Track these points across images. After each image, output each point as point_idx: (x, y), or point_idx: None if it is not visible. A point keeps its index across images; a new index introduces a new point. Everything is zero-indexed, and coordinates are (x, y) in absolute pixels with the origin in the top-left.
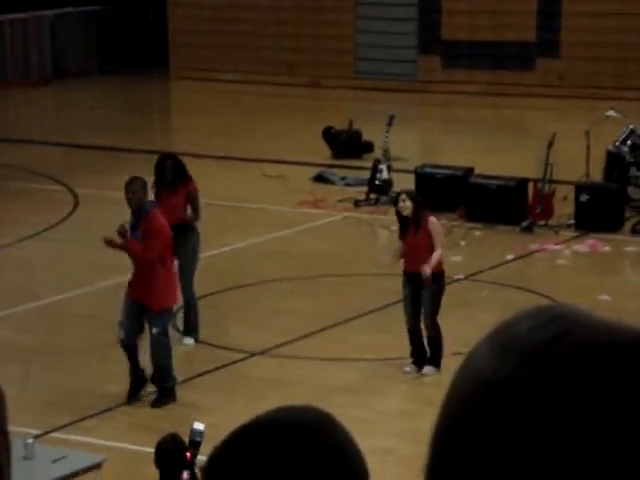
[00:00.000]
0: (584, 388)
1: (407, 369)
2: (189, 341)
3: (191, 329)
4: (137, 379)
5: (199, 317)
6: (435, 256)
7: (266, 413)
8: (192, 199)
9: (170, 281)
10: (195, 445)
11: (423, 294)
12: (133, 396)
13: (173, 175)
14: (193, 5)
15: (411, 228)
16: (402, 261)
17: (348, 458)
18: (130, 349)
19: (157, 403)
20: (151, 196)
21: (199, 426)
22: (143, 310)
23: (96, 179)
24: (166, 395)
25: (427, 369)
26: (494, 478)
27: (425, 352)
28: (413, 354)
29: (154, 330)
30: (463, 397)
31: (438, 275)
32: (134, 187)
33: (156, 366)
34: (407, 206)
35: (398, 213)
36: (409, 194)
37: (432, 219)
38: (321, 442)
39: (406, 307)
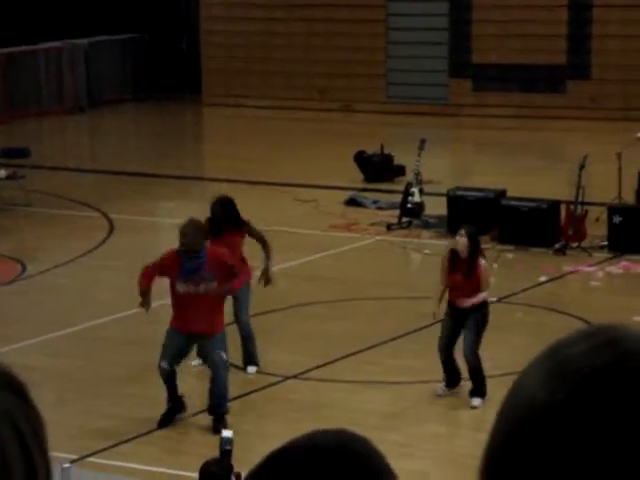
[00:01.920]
0: (637, 416)
1: (439, 391)
2: (252, 369)
3: (251, 358)
4: (176, 405)
5: (256, 345)
6: (479, 297)
7: (302, 436)
8: (253, 232)
9: (222, 306)
10: (227, 454)
11: (466, 323)
12: (167, 421)
13: (228, 216)
14: (225, 32)
15: (462, 269)
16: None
17: None
18: (171, 377)
19: (217, 429)
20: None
21: (228, 433)
22: (192, 342)
23: (131, 205)
24: (223, 420)
25: (474, 401)
26: None
27: (458, 373)
28: (446, 376)
29: (220, 355)
30: (516, 420)
31: (481, 305)
32: (187, 230)
33: (218, 392)
34: (463, 242)
35: (453, 250)
36: (469, 231)
37: (482, 263)
38: (357, 466)
39: (442, 337)
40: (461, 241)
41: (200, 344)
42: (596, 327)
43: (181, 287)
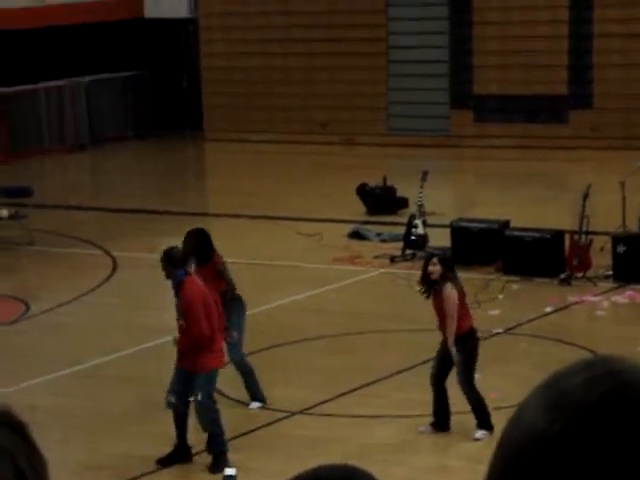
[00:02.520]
0: (636, 447)
1: (422, 429)
2: (253, 405)
3: (253, 394)
4: (180, 449)
5: (256, 380)
6: (449, 331)
7: (308, 471)
8: (219, 272)
9: (213, 343)
10: None
11: (454, 360)
12: (166, 462)
13: (198, 249)
14: (225, 69)
15: (433, 291)
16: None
17: None
18: (179, 415)
19: (214, 468)
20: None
21: (231, 471)
22: (188, 378)
23: (133, 242)
24: (221, 459)
25: (478, 434)
26: None
27: (448, 415)
28: (435, 414)
29: (198, 398)
30: (516, 450)
31: (465, 335)
32: (162, 258)
33: (208, 433)
34: (437, 270)
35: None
36: (440, 258)
37: (447, 288)
38: None
39: (434, 364)
40: (434, 270)
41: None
42: (595, 358)
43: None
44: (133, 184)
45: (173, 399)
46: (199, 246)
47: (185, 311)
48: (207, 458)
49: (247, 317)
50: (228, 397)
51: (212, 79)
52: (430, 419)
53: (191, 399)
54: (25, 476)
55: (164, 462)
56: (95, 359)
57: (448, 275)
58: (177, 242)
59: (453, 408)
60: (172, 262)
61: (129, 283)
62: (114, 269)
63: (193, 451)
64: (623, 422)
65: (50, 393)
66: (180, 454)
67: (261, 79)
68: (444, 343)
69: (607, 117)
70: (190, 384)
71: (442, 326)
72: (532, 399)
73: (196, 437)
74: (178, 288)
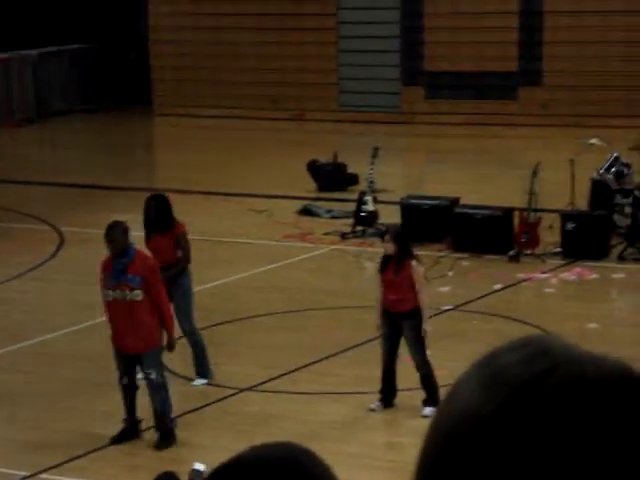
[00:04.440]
0: (573, 423)
1: (373, 406)
2: (198, 382)
3: (198, 369)
4: (131, 425)
5: (205, 355)
6: (424, 306)
7: (248, 450)
8: (179, 241)
9: (158, 320)
10: None
11: (405, 334)
12: (119, 440)
13: (157, 216)
14: (174, 42)
15: (392, 267)
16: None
17: None
18: (128, 391)
19: (160, 445)
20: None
21: (199, 466)
22: (134, 357)
23: (81, 217)
24: (170, 436)
25: (427, 410)
26: None
27: (395, 390)
28: (382, 391)
29: (150, 375)
30: (449, 431)
31: (414, 311)
32: (112, 234)
33: (158, 410)
34: (389, 247)
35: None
36: (394, 234)
37: (414, 264)
38: (301, 478)
39: (384, 346)
40: (388, 247)
41: (137, 360)
42: (529, 337)
43: (109, 294)
44: (81, 159)
45: (125, 380)
46: (162, 212)
47: (148, 283)
48: (153, 434)
49: (196, 293)
50: (173, 372)
51: (160, 53)
52: (379, 396)
53: (140, 376)
54: None
55: (117, 440)
56: (42, 335)
57: (408, 251)
58: (125, 217)
59: (400, 385)
60: (126, 234)
61: (76, 259)
62: (61, 244)
63: (142, 427)
64: (555, 401)
65: None
66: (130, 429)
67: (211, 53)
68: (391, 324)
69: (557, 94)
70: (133, 362)
71: (392, 303)
72: (466, 378)
73: (143, 413)
74: (131, 259)
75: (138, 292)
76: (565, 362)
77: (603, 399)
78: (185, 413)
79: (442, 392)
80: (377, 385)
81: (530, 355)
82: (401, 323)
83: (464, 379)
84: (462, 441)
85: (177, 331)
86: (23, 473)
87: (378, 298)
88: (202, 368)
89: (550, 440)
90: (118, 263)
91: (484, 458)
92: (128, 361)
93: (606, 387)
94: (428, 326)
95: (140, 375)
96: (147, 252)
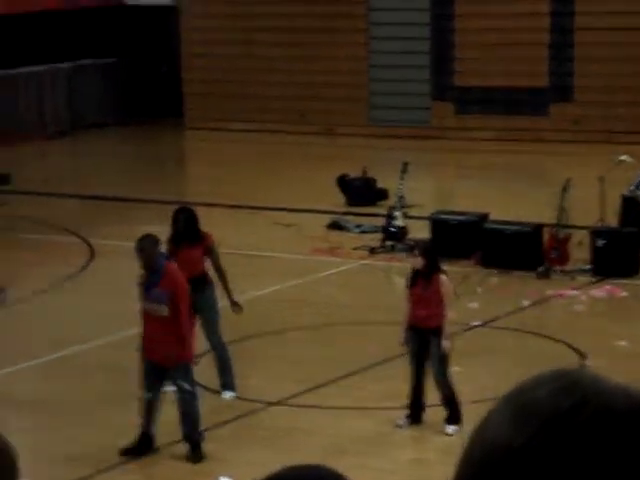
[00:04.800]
0: (602, 455)
1: (400, 422)
2: (226, 395)
3: (225, 383)
4: (145, 440)
5: (230, 368)
6: (445, 322)
7: (276, 473)
8: (212, 251)
9: (189, 334)
10: None
11: (431, 350)
12: (131, 453)
13: (187, 228)
14: (206, 56)
15: (420, 282)
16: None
17: None
18: (150, 406)
19: (192, 458)
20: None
21: None
22: (163, 370)
23: (111, 230)
24: (198, 448)
25: (450, 429)
26: None
27: (423, 406)
28: (410, 407)
29: (182, 386)
30: (480, 460)
31: (439, 330)
32: (142, 245)
33: (187, 422)
34: (418, 262)
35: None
36: (423, 248)
37: (444, 279)
38: None
39: (412, 363)
40: (416, 261)
41: (166, 372)
42: (559, 371)
43: (144, 306)
44: (112, 171)
45: (149, 396)
46: (190, 225)
47: (174, 297)
48: (182, 447)
49: (222, 308)
50: (202, 385)
51: (192, 67)
52: (406, 412)
53: (168, 389)
54: None
55: (128, 453)
56: (72, 347)
57: (437, 266)
58: (155, 229)
59: (427, 401)
60: (156, 245)
61: (106, 271)
62: (91, 257)
63: (167, 440)
64: (585, 434)
65: (27, 380)
66: (144, 444)
67: (242, 67)
68: (419, 341)
69: (588, 110)
70: (161, 376)
71: (420, 320)
72: (497, 411)
73: (170, 426)
74: (161, 274)
75: (164, 307)
76: (594, 395)
77: (633, 431)
78: (213, 426)
79: (471, 409)
80: (405, 400)
81: (560, 389)
82: (429, 339)
83: (496, 410)
84: (493, 471)
85: (202, 345)
86: None
87: (405, 313)
88: (227, 380)
89: (579, 473)
90: (151, 278)
91: None
92: (156, 374)
93: (636, 419)
94: (447, 343)
95: (169, 387)
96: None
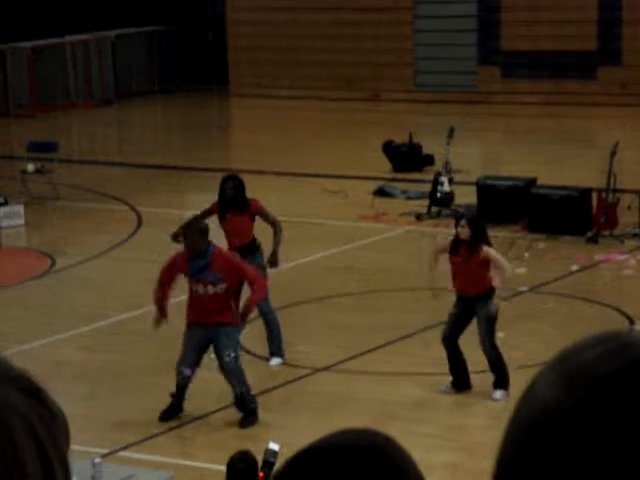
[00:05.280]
0: None
1: (443, 388)
2: (274, 361)
3: (273, 349)
4: (178, 404)
5: (279, 335)
6: (502, 277)
7: (326, 436)
8: (263, 214)
9: (235, 303)
10: (269, 465)
11: (478, 314)
12: (168, 417)
13: (234, 197)
14: (252, 23)
15: (463, 251)
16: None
17: None
18: (186, 382)
19: (243, 423)
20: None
21: (274, 446)
22: (207, 343)
23: (158, 198)
24: (252, 414)
25: (498, 394)
26: None
27: (466, 373)
28: (452, 374)
29: (229, 355)
30: (528, 425)
31: (488, 293)
32: (193, 238)
33: (236, 390)
34: (465, 232)
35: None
36: (469, 219)
37: (485, 249)
38: (381, 465)
39: (447, 324)
40: (463, 231)
41: (211, 340)
42: (608, 333)
43: (193, 286)
44: (158, 139)
45: (188, 372)
46: (238, 193)
47: (229, 268)
48: (235, 413)
49: (270, 274)
50: (250, 352)
51: (238, 34)
52: (450, 378)
53: (213, 358)
54: (43, 446)
55: (166, 417)
56: (121, 314)
57: (482, 237)
58: (201, 198)
59: (472, 367)
60: (203, 234)
61: (154, 239)
62: (139, 224)
63: (216, 407)
64: (633, 398)
65: (77, 348)
66: (177, 407)
67: (287, 34)
68: (463, 307)
69: (636, 74)
70: (203, 348)
71: (463, 287)
72: (545, 374)
73: (217, 392)
74: (210, 258)
75: (222, 286)
76: None
77: None
78: (261, 393)
79: (518, 374)
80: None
81: (610, 351)
82: (474, 306)
83: (542, 375)
84: (542, 436)
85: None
86: (101, 451)
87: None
88: (276, 347)
89: (630, 436)
90: (196, 263)
91: (563, 452)
92: (201, 342)
93: None
94: (498, 300)
95: (212, 356)
96: (223, 245)
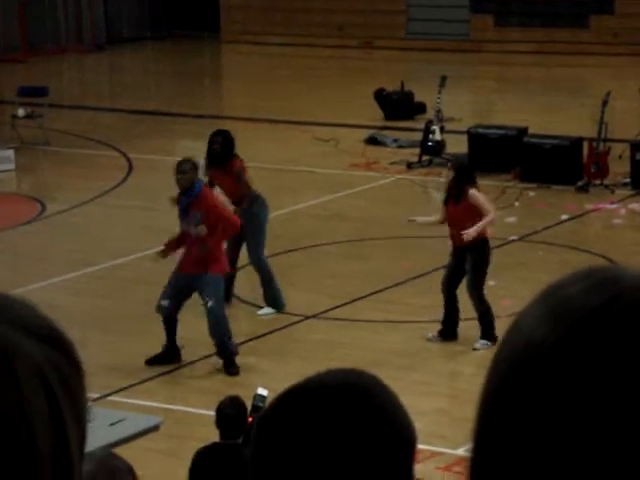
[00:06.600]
0: (635, 352)
1: (429, 335)
2: (266, 310)
3: (268, 297)
4: (171, 350)
5: (272, 285)
6: (481, 222)
7: (314, 376)
8: (236, 176)
9: (222, 250)
10: (258, 410)
11: (466, 267)
12: (156, 362)
13: (223, 151)
14: None
15: (451, 199)
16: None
17: (393, 420)
18: (170, 318)
19: (227, 371)
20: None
21: (263, 391)
22: (190, 289)
23: (149, 144)
24: (232, 361)
25: (479, 343)
26: (542, 440)
27: (455, 323)
28: (443, 322)
29: (208, 302)
30: (513, 359)
31: (478, 244)
32: (183, 167)
33: (215, 337)
34: (450, 175)
35: None
36: (454, 164)
37: (471, 192)
38: (367, 403)
39: (445, 272)
40: (448, 175)
41: (194, 287)
42: (594, 267)
43: (181, 224)
44: (149, 85)
45: (166, 303)
46: (227, 148)
47: (211, 213)
48: (213, 359)
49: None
50: (240, 299)
51: None
52: (439, 326)
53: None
54: (58, 405)
55: (152, 362)
56: (111, 260)
57: (466, 181)
58: (192, 144)
59: (464, 314)
60: (195, 170)
61: (144, 185)
62: (130, 171)
63: (205, 352)
64: (618, 329)
65: (68, 293)
66: (170, 355)
67: None
68: (457, 257)
69: (629, 23)
70: (185, 292)
71: (455, 237)
72: (530, 309)
73: (206, 339)
74: (195, 197)
75: (202, 227)
76: (630, 289)
77: None
78: (251, 339)
79: (508, 322)
80: (441, 314)
81: (595, 285)
82: (465, 255)
83: (529, 309)
84: (526, 369)
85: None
86: (91, 395)
87: (433, 219)
88: (268, 296)
89: (614, 368)
90: (182, 200)
91: (547, 387)
92: (181, 287)
93: None
94: (472, 231)
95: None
96: (214, 190)
